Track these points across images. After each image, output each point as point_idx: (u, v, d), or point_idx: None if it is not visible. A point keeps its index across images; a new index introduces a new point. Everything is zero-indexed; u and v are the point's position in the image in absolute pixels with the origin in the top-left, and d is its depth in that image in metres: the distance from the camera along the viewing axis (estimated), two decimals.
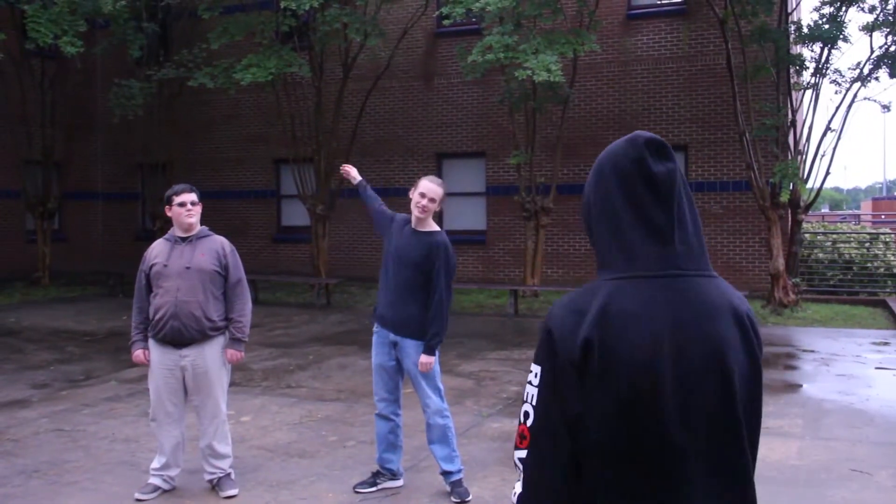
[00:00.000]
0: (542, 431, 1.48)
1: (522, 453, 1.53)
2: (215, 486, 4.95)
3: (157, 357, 4.88)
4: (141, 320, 4.92)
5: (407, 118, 17.08)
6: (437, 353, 4.81)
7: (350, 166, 5.49)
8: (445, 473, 4.86)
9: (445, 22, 12.73)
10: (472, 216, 16.71)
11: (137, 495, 4.85)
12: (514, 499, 1.56)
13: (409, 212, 4.87)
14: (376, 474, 5.01)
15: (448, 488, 4.87)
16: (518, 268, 15.60)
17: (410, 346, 4.79)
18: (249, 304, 5.00)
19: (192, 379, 4.85)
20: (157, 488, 4.90)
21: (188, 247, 4.87)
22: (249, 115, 18.31)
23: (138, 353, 4.92)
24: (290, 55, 13.49)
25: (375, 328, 4.94)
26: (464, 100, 16.59)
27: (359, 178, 5.38)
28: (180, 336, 4.77)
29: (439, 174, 16.70)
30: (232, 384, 7.87)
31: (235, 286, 4.92)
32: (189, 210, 4.87)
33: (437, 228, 4.87)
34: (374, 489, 4.95)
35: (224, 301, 4.91)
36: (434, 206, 4.80)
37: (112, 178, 20.19)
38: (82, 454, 5.74)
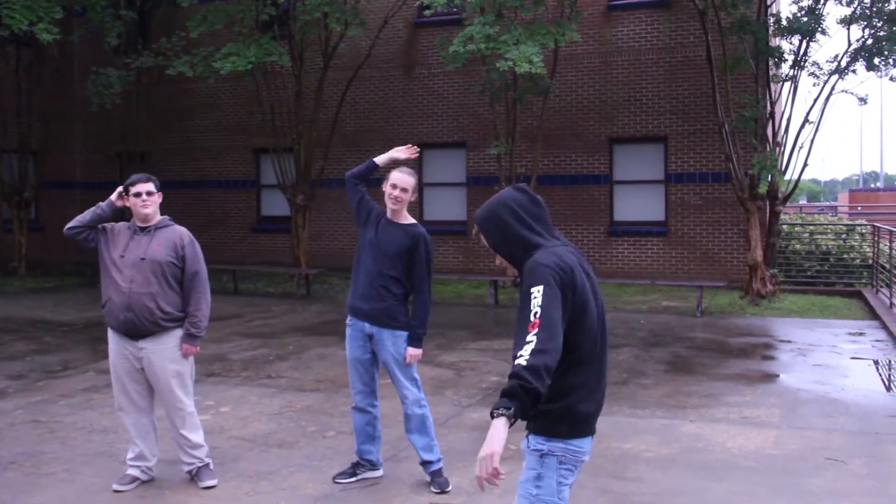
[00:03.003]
0: (549, 313, 2.55)
1: (533, 334, 2.50)
2: (194, 476, 4.93)
3: (115, 346, 4.84)
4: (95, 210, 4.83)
5: (387, 108, 17.03)
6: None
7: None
8: (425, 463, 4.87)
9: (426, 12, 12.69)
10: (452, 206, 16.71)
11: (115, 486, 4.82)
12: (526, 355, 2.46)
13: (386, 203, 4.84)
14: (356, 465, 5.01)
15: (428, 478, 4.88)
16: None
17: (387, 336, 4.78)
18: (207, 298, 4.88)
19: (150, 371, 4.80)
20: (135, 479, 4.87)
21: (146, 237, 4.79)
22: (229, 104, 18.17)
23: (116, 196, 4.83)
24: (269, 44, 13.40)
25: (349, 321, 4.91)
26: (444, 90, 16.56)
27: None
28: (135, 328, 4.71)
29: (420, 164, 16.69)
30: (211, 374, 7.89)
31: (192, 279, 4.82)
32: (144, 200, 4.76)
33: (414, 221, 4.88)
34: (353, 479, 4.96)
35: (182, 293, 4.83)
36: (407, 197, 4.79)
37: (90, 167, 19.95)
38: (59, 445, 5.70)
